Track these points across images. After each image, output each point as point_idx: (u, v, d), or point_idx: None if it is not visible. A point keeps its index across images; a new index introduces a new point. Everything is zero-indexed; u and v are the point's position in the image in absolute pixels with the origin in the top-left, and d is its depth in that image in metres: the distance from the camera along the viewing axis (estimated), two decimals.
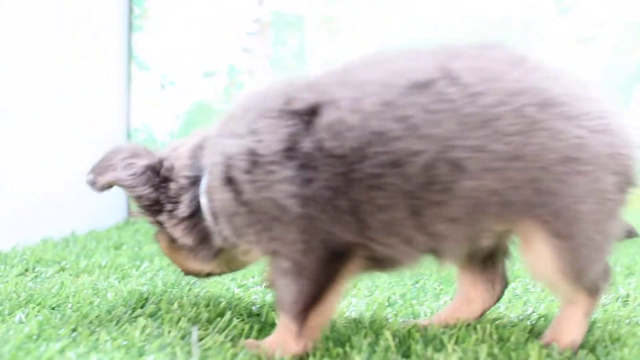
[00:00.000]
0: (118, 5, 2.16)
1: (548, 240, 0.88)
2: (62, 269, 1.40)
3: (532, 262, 0.91)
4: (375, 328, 1.00)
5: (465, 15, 2.07)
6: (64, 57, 1.84)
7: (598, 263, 0.93)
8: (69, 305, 1.12)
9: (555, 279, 0.91)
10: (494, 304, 1.06)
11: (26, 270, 1.38)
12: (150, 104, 2.20)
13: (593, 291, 0.95)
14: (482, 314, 1.05)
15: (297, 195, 0.86)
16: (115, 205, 2.19)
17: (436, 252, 0.92)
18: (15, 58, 1.69)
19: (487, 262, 1.03)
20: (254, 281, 1.31)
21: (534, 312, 1.14)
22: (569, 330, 0.95)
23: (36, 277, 1.33)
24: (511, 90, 0.86)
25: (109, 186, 1.03)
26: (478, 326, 1.01)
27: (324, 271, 0.89)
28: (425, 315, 1.11)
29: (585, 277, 0.92)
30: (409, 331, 0.98)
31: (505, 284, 1.05)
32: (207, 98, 2.19)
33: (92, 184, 1.03)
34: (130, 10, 2.21)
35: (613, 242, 0.93)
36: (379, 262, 0.92)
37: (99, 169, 1.04)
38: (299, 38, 2.15)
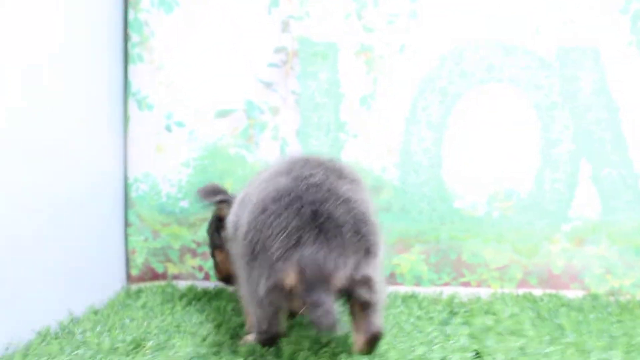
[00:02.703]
0: (110, 33, 1.79)
1: None
2: None
3: None
4: None
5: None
6: (43, 93, 1.46)
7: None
8: None
9: None
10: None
11: None
12: (153, 150, 1.84)
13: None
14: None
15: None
16: (113, 271, 1.83)
17: None
18: None
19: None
20: None
21: None
22: None
23: None
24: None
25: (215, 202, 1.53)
26: None
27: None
28: None
29: None
30: None
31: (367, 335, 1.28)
32: (223, 141, 1.84)
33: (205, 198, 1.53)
34: (126, 38, 1.84)
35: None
36: None
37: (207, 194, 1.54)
38: (330, 71, 1.82)
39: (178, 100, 1.83)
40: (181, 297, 1.77)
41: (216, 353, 1.32)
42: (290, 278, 1.16)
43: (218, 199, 1.51)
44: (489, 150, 1.79)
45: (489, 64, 1.79)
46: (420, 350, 1.32)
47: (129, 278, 1.88)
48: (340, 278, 1.17)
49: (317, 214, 1.18)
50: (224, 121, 1.83)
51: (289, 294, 1.18)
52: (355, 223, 1.20)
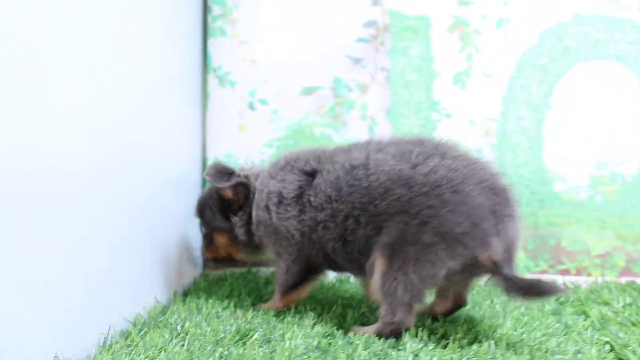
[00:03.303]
0: (187, 4, 1.69)
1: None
2: None
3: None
4: None
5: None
6: (118, 71, 1.33)
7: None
8: None
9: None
10: (445, 314, 1.39)
11: None
12: (234, 129, 1.74)
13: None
14: (435, 316, 1.39)
15: (298, 228, 1.36)
16: (191, 257, 1.74)
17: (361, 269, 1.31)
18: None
19: (444, 287, 1.34)
20: None
21: None
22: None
23: None
24: (383, 171, 1.26)
25: (228, 187, 1.47)
26: None
27: (300, 274, 1.41)
28: None
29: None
30: None
31: (458, 305, 1.39)
32: (308, 120, 1.74)
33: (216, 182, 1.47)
34: (207, 10, 1.74)
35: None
36: (335, 269, 1.44)
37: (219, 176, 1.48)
38: (423, 46, 1.72)
39: (262, 76, 1.74)
40: (265, 284, 1.68)
41: (331, 345, 1.23)
42: (498, 252, 1.19)
43: (234, 182, 1.46)
44: (593, 131, 1.70)
45: (594, 39, 1.69)
46: (552, 343, 1.23)
47: (207, 265, 1.79)
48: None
49: (504, 189, 1.23)
50: (309, 99, 1.74)
51: (481, 269, 1.22)
52: (516, 196, 1.25)
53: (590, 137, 1.70)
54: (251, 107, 1.74)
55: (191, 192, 1.74)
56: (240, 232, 1.49)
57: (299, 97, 1.74)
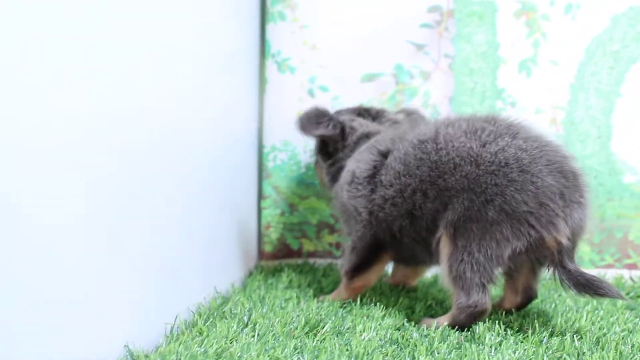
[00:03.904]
0: None
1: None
2: None
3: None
4: None
5: None
6: (172, 54, 1.27)
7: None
8: None
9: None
10: (516, 308, 1.35)
11: None
12: (293, 116, 1.68)
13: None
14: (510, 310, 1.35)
15: (366, 207, 1.34)
16: (247, 247, 1.70)
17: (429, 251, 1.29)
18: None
19: (512, 276, 1.33)
20: None
21: None
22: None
23: None
24: (453, 147, 1.24)
25: (314, 136, 1.52)
26: None
27: (366, 251, 1.37)
28: None
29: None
30: None
31: (528, 298, 1.35)
32: None
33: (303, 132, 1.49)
34: None
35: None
36: (404, 258, 1.42)
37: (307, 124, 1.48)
38: (488, 33, 1.67)
39: (322, 62, 1.69)
40: (324, 275, 1.64)
41: (405, 338, 1.19)
42: (565, 238, 1.18)
43: (319, 133, 1.48)
44: None
45: None
46: (636, 338, 1.18)
47: (261, 255, 1.76)
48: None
49: (575, 174, 1.22)
50: (370, 86, 1.70)
51: (547, 252, 1.20)
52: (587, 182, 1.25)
53: None
54: (311, 94, 1.70)
55: (247, 182, 1.70)
56: (325, 177, 1.53)
57: (359, 84, 1.69)
